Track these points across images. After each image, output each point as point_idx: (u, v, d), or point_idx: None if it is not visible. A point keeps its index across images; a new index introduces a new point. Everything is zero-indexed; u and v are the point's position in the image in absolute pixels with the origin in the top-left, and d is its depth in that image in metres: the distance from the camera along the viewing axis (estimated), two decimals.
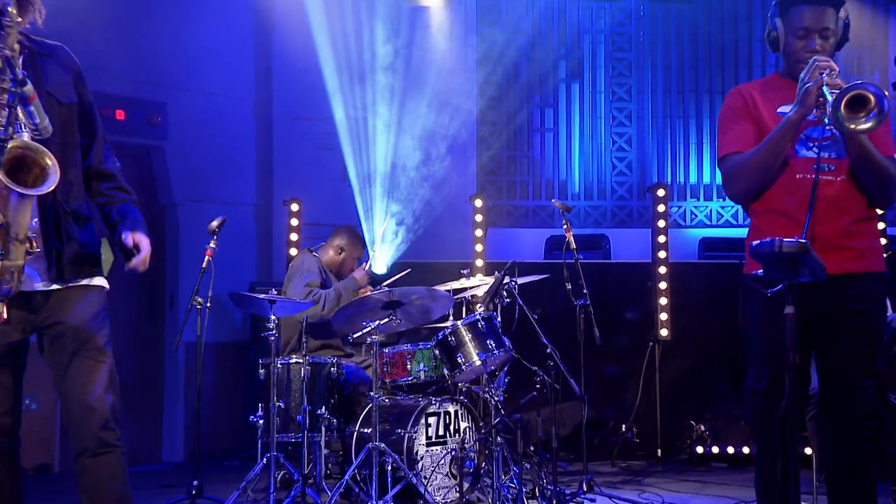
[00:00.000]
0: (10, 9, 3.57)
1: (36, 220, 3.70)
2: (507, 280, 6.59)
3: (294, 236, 9.23)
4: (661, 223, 9.22)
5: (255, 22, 9.71)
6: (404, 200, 10.16)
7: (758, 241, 3.46)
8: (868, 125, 3.76)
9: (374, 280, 9.45)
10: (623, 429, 9.06)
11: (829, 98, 3.75)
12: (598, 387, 9.42)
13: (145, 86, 9.49)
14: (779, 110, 4.12)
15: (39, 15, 3.84)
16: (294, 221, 9.30)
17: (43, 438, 8.97)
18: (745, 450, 8.32)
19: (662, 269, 9.10)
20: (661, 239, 9.14)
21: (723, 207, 11.00)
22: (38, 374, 8.86)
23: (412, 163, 10.25)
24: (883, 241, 9.30)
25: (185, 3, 9.28)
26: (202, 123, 9.80)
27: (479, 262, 9.18)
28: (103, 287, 4.02)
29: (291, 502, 6.02)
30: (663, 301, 9.07)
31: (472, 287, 6.89)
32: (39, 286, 3.79)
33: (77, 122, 3.94)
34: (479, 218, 9.43)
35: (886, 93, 3.77)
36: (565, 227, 7.08)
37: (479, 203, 9.47)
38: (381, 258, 9.82)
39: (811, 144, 4.11)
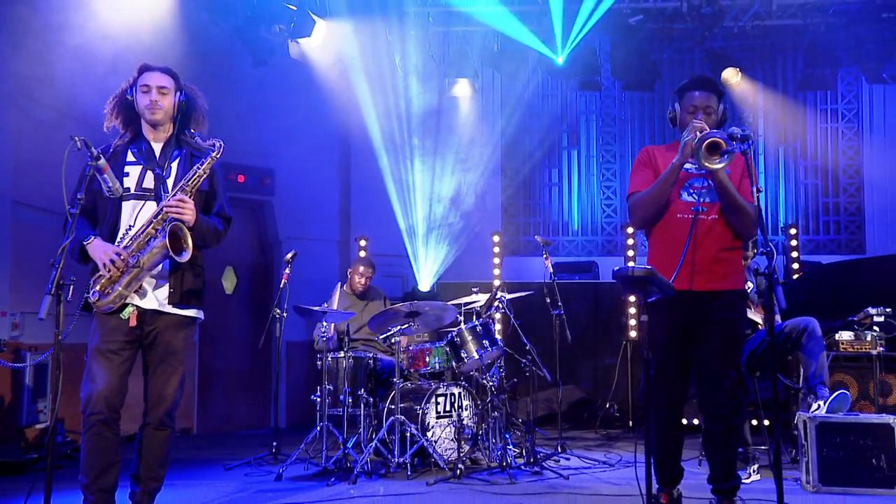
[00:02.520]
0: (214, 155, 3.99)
1: (166, 263, 3.92)
2: (498, 296, 6.53)
3: None
4: (631, 252, 9.10)
5: (336, 108, 9.74)
6: (442, 237, 10.13)
7: (617, 268, 3.48)
8: (721, 164, 3.85)
9: (420, 296, 9.46)
10: (607, 405, 8.92)
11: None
12: (594, 374, 9.32)
13: (258, 157, 9.59)
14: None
15: (203, 128, 4.18)
16: (362, 253, 9.32)
17: (185, 409, 9.03)
18: (696, 421, 8.07)
19: None
20: (630, 264, 9.00)
21: None
22: None
23: (449, 209, 10.23)
24: (796, 265, 9.24)
25: (285, 99, 9.34)
26: (300, 182, 9.86)
27: (497, 283, 9.13)
28: (196, 318, 4.12)
29: (338, 458, 6.01)
30: (632, 311, 8.93)
31: (475, 301, 6.78)
32: (157, 307, 3.94)
33: (206, 201, 4.12)
34: (496, 250, 9.40)
35: (751, 136, 3.86)
36: (545, 256, 6.95)
37: (496, 238, 9.44)
38: (425, 279, 9.80)
39: (692, 191, 4.13)
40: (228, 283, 9.57)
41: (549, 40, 9.05)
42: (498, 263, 9.33)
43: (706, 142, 3.81)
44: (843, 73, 10.22)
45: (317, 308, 6.29)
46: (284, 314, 6.70)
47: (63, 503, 4.79)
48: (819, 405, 5.55)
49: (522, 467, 6.03)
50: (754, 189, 3.68)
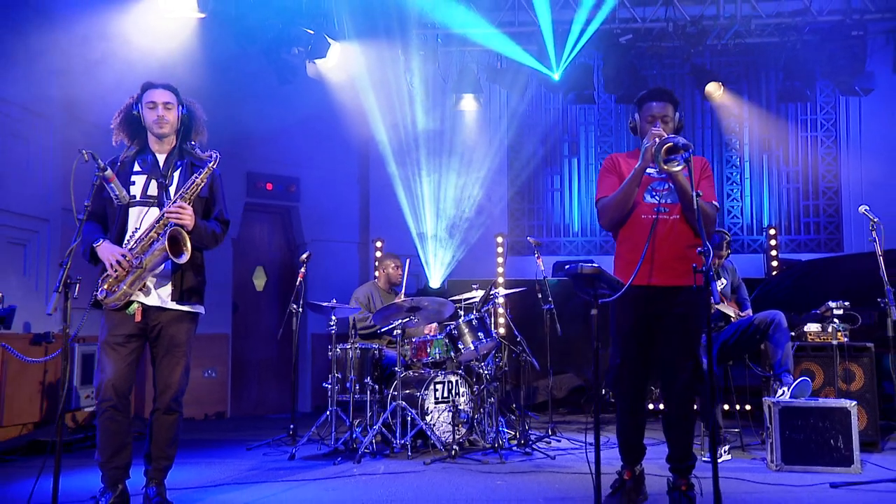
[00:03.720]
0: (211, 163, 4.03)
1: (168, 264, 3.95)
2: (492, 292, 6.52)
3: None
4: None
5: (355, 123, 9.75)
6: (451, 239, 10.14)
7: (568, 266, 3.46)
8: (679, 167, 3.76)
9: (430, 292, 9.48)
10: (602, 391, 8.85)
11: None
12: (594, 362, 9.23)
13: (286, 167, 9.66)
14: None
15: (203, 138, 4.18)
16: (378, 254, 9.34)
17: (220, 395, 9.13)
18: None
19: None
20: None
21: None
22: (216, 353, 9.09)
23: (458, 214, 10.24)
24: (775, 263, 9.14)
25: (308, 114, 9.36)
26: (323, 191, 9.91)
27: (500, 280, 9.12)
28: (199, 313, 4.15)
29: (345, 440, 6.04)
30: None
31: (473, 297, 6.78)
32: (161, 303, 3.99)
33: (206, 206, 4.15)
34: (500, 250, 9.39)
35: (691, 146, 3.76)
36: (536, 255, 6.93)
37: (500, 239, 9.44)
38: (436, 277, 9.81)
39: (654, 193, 4.08)
40: (259, 281, 9.65)
41: (545, 58, 9.03)
42: (501, 262, 9.33)
43: (665, 146, 3.77)
44: (821, 85, 10.12)
45: (325, 304, 6.32)
46: (300, 309, 6.73)
47: (85, 479, 4.87)
48: (784, 391, 5.51)
49: (514, 448, 6.03)
50: (694, 194, 3.63)
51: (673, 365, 4.04)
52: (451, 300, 6.59)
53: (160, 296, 3.96)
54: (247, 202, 9.46)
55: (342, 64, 9.02)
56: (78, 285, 3.23)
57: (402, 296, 6.81)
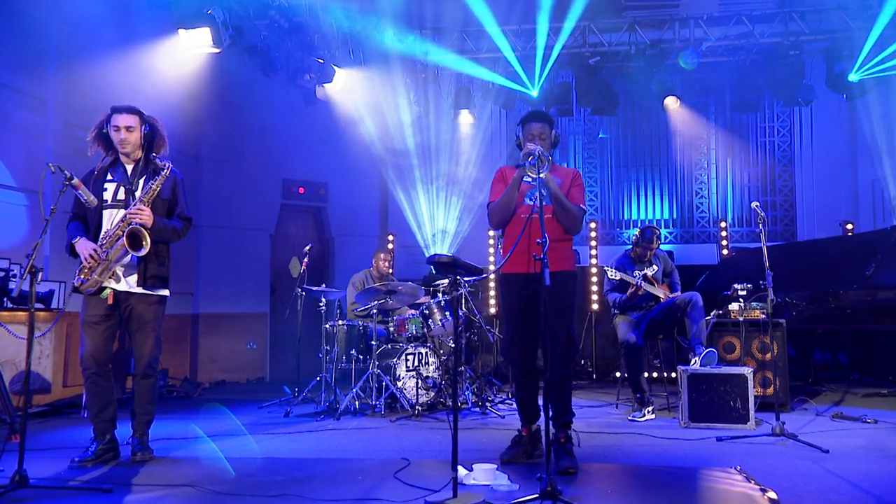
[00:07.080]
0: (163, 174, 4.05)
1: (135, 256, 4.02)
2: (458, 277, 6.53)
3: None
4: (594, 243, 8.95)
5: (374, 137, 9.87)
6: (453, 233, 10.16)
7: (430, 254, 3.49)
8: (544, 174, 3.75)
9: (433, 278, 9.51)
10: (582, 362, 8.81)
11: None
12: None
13: (314, 173, 9.83)
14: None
15: (164, 150, 4.23)
16: (390, 246, 9.45)
17: (260, 363, 9.37)
18: (655, 374, 7.86)
19: (594, 270, 8.81)
20: (593, 252, 8.88)
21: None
22: (257, 328, 9.25)
23: (459, 211, 10.26)
24: (725, 251, 8.93)
25: (332, 129, 9.52)
26: (349, 193, 10.07)
27: (491, 268, 9.10)
28: (165, 296, 4.20)
29: (331, 401, 6.15)
30: (594, 288, 8.81)
31: (442, 282, 6.82)
32: (129, 289, 4.09)
33: (169, 206, 4.20)
34: (490, 241, 9.37)
35: (549, 158, 3.78)
36: (500, 247, 6.91)
37: (491, 233, 9.41)
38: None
39: (532, 198, 4.08)
40: (294, 269, 9.84)
41: (518, 79, 8.97)
42: (492, 252, 9.32)
43: (529, 158, 3.79)
44: (776, 97, 9.84)
45: (315, 288, 6.45)
46: (303, 293, 6.85)
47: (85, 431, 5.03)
48: (695, 360, 5.44)
49: (474, 410, 6.06)
50: (536, 194, 3.65)
51: (551, 335, 4.03)
52: (431, 285, 6.65)
53: (128, 282, 4.05)
54: (282, 203, 9.67)
55: (350, 87, 9.11)
56: (40, 274, 3.36)
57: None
